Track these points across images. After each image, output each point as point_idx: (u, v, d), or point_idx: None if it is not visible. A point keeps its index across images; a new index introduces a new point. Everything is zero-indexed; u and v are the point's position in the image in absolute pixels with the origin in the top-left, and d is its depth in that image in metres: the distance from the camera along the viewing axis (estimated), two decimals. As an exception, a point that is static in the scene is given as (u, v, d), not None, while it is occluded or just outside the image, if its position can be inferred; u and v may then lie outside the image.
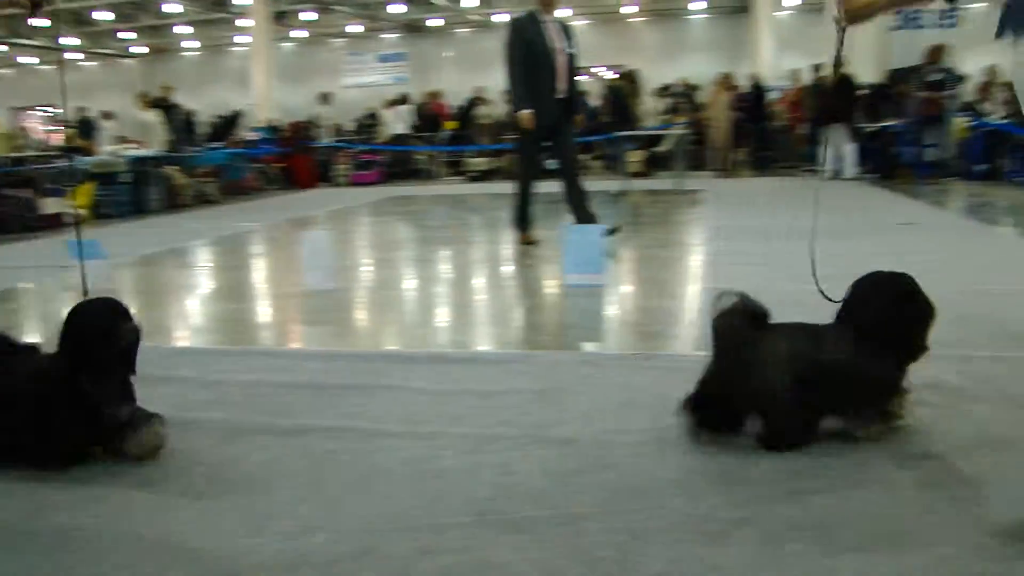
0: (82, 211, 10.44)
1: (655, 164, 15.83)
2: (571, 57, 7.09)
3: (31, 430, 2.65)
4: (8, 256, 8.51)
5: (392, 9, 27.35)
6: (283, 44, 29.33)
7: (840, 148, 14.04)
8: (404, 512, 2.35)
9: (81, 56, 31.81)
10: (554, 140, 7.15)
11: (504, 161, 17.06)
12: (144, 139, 14.37)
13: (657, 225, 9.55)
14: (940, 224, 8.26)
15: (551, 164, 7.35)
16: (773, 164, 16.72)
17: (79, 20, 27.28)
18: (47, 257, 7.63)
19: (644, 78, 19.48)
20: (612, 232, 6.97)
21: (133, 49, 31.43)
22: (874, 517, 2.21)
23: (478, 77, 22.35)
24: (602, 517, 2.27)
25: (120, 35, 29.75)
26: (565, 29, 7.14)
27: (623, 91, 17.05)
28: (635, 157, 15.45)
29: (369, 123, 19.93)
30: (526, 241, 7.36)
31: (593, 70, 23.30)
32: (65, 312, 2.75)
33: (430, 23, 29.38)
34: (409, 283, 6.59)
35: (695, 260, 6.59)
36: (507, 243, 7.73)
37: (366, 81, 28.75)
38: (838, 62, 3.46)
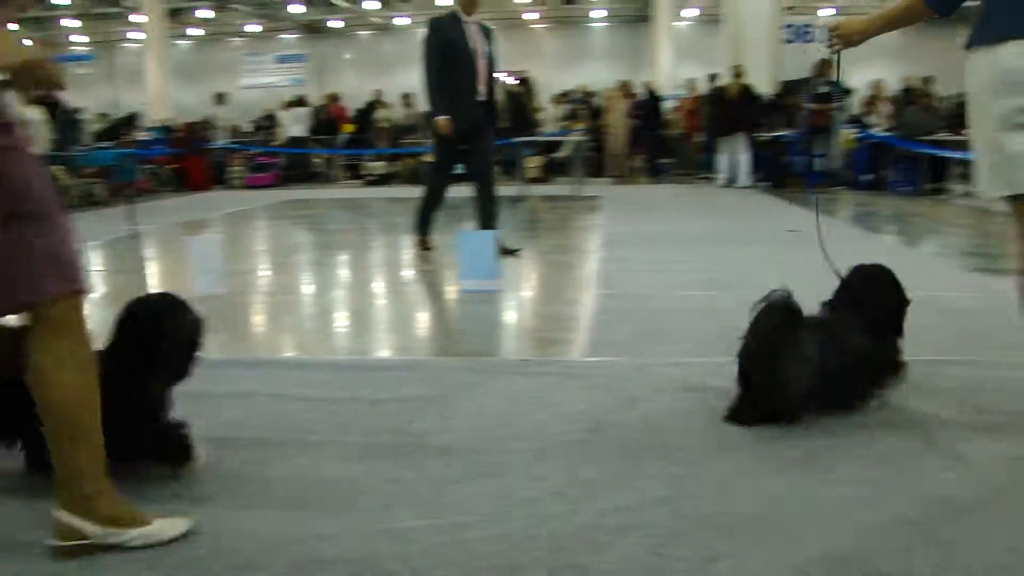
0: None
1: (553, 170, 15.94)
2: (491, 60, 6.98)
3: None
4: None
5: (292, 9, 27.00)
6: (179, 42, 28.65)
7: (735, 157, 14.38)
8: (283, 523, 2.29)
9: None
10: (471, 144, 6.98)
11: (402, 165, 16.96)
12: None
13: (554, 231, 9.60)
14: (827, 232, 8.49)
15: (459, 169, 7.20)
16: (670, 171, 17.02)
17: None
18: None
19: (544, 84, 19.63)
20: (513, 253, 6.96)
21: (17, 43, 30.21)
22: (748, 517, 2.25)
23: (378, 80, 22.20)
24: (484, 525, 2.26)
25: (2, 27, 28.55)
26: (486, 31, 7.01)
27: (522, 96, 17.13)
28: (534, 163, 15.53)
29: (266, 125, 19.54)
30: (425, 246, 7.30)
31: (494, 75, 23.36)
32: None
33: (331, 24, 29.09)
34: (303, 288, 6.47)
35: (590, 266, 6.63)
36: (405, 248, 7.67)
37: (264, 82, 28.26)
38: (836, 82, 3.61)
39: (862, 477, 2.52)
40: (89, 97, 22.30)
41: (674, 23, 23.84)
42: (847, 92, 14.03)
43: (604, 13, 27.95)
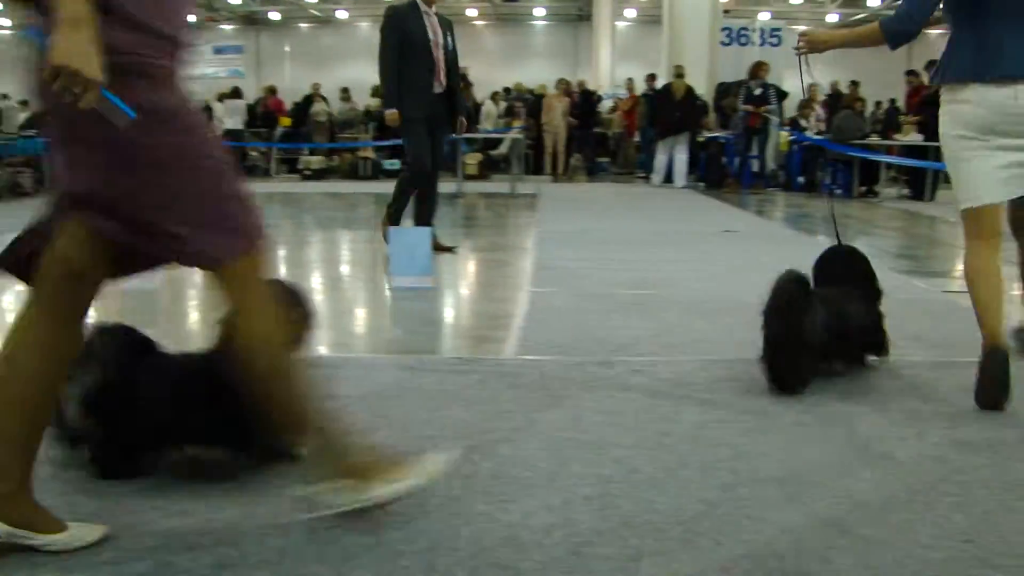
0: None
1: (491, 167, 15.93)
2: (451, 52, 6.77)
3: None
4: None
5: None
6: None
7: (673, 157, 14.50)
8: (200, 527, 2.23)
9: None
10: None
11: (340, 160, 16.80)
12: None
13: (490, 228, 9.58)
14: (760, 232, 8.63)
15: (392, 164, 6.92)
16: (607, 170, 17.12)
17: None
18: None
19: (484, 81, 19.60)
20: (448, 250, 6.88)
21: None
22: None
23: (317, 74, 21.98)
24: (406, 527, 2.22)
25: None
26: (446, 23, 6.81)
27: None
28: (472, 159, 15.50)
29: (201, 116, 19.23)
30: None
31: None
32: None
33: (270, 16, 28.73)
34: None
35: (525, 264, 6.62)
36: (340, 244, 7.58)
37: (199, 72, 27.77)
38: (804, 84, 3.90)
39: (787, 477, 2.53)
40: (13, 83, 21.66)
41: (616, 22, 24.00)
42: (783, 95, 14.22)
43: (545, 11, 28.01)
